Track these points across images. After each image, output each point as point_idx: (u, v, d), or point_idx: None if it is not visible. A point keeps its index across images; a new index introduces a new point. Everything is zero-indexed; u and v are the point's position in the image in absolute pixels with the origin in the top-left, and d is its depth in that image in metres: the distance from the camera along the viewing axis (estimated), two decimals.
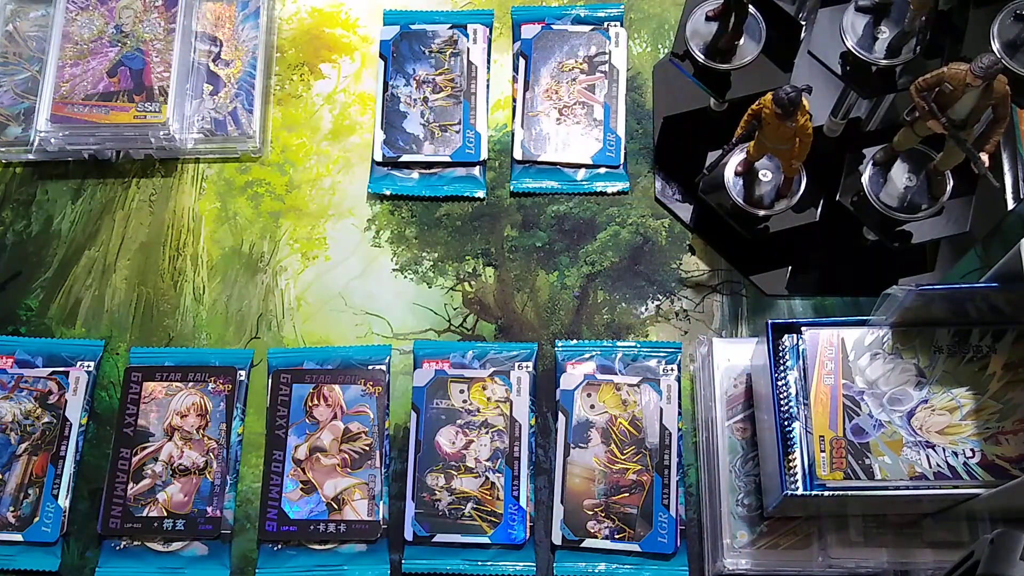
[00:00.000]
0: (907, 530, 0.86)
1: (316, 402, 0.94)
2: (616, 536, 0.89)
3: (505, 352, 0.96)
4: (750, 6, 0.93)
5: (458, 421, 0.93)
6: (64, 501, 0.91)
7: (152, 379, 0.95)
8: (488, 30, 1.09)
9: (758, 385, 0.89)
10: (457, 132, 1.05)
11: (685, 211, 1.02)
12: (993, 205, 0.99)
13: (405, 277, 1.01)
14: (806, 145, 0.87)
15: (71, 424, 0.94)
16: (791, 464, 0.79)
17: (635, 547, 0.89)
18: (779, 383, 0.82)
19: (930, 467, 0.78)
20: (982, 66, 0.78)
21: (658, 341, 0.97)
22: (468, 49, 1.08)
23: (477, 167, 1.04)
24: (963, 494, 0.78)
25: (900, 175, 0.92)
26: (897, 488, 0.78)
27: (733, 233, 0.97)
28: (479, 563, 0.89)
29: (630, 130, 1.06)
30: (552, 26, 1.09)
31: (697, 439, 0.93)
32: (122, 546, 0.91)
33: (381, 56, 1.08)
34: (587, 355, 0.96)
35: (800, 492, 0.78)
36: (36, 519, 0.90)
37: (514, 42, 1.09)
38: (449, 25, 1.09)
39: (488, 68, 1.08)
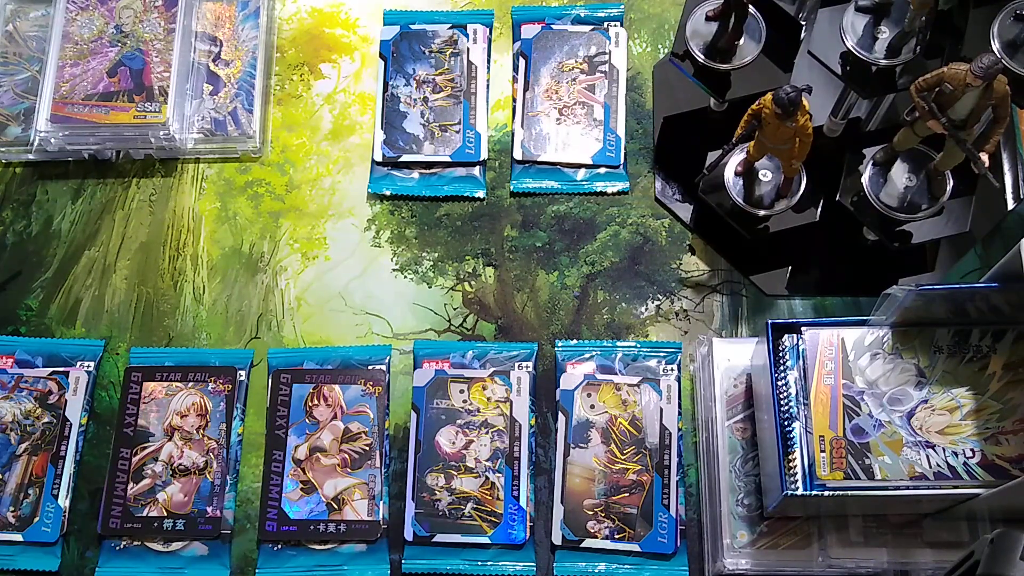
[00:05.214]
0: (907, 530, 0.86)
1: (316, 402, 0.94)
2: (616, 536, 0.89)
3: (505, 352, 0.96)
4: (750, 6, 0.93)
5: (458, 421, 0.93)
6: (64, 501, 0.91)
7: (152, 379, 0.95)
8: (488, 30, 1.09)
9: (758, 385, 0.88)
10: (457, 132, 1.05)
11: (685, 211, 1.02)
12: (993, 205, 0.99)
13: (405, 277, 1.01)
14: (806, 145, 0.87)
15: (71, 424, 0.94)
16: (791, 464, 0.79)
17: (635, 547, 0.89)
18: (779, 383, 0.82)
19: (930, 467, 0.78)
20: (982, 66, 0.77)
21: (658, 341, 0.97)
22: (468, 49, 1.08)
23: (477, 167, 1.04)
24: (963, 494, 0.78)
25: (900, 175, 0.92)
26: (897, 488, 0.78)
27: (733, 233, 0.97)
28: (479, 563, 0.89)
29: (630, 130, 1.05)
30: (552, 26, 1.09)
31: (697, 439, 0.93)
32: (122, 546, 0.91)
33: (381, 56, 1.08)
34: (587, 355, 0.96)
35: (800, 492, 0.78)
36: (36, 519, 0.90)
37: (514, 42, 1.09)
38: (449, 25, 1.09)
39: (488, 68, 1.08)
